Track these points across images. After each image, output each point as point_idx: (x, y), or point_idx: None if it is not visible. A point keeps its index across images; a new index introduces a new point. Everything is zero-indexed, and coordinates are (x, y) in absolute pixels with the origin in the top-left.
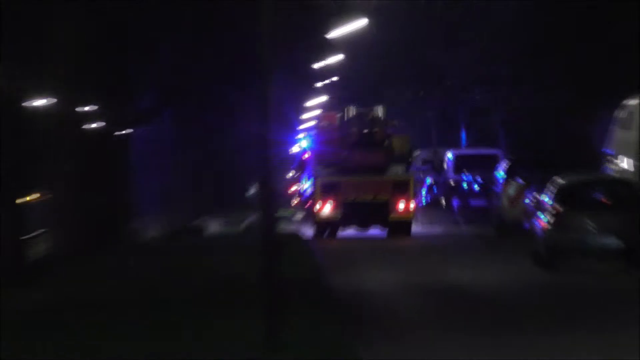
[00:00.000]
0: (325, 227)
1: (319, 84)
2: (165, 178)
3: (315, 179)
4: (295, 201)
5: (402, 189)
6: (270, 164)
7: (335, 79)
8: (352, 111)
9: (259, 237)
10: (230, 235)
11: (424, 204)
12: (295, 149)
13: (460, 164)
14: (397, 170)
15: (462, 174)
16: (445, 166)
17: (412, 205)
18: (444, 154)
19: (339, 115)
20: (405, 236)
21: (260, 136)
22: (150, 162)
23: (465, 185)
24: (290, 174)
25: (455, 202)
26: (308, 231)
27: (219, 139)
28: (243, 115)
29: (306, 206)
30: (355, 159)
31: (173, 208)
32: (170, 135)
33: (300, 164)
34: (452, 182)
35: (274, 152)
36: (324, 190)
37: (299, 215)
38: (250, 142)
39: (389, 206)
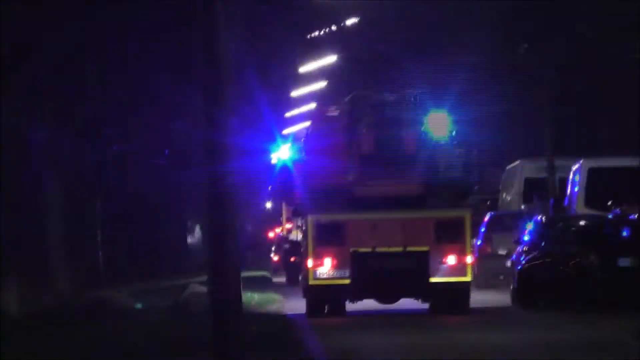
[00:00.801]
0: (324, 297)
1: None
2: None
3: (305, 217)
4: (274, 255)
5: (453, 232)
6: (227, 187)
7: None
8: (366, 99)
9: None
10: (156, 312)
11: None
12: (274, 161)
13: (599, 185)
14: (443, 201)
15: (602, 206)
16: (569, 191)
17: (469, 259)
18: (567, 170)
19: (341, 109)
20: (460, 313)
21: (209, 141)
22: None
23: (608, 227)
24: (267, 206)
25: (592, 264)
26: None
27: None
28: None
29: (292, 261)
30: (371, 183)
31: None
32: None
33: (280, 191)
34: (582, 223)
35: (233, 167)
36: (321, 237)
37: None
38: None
39: (429, 261)
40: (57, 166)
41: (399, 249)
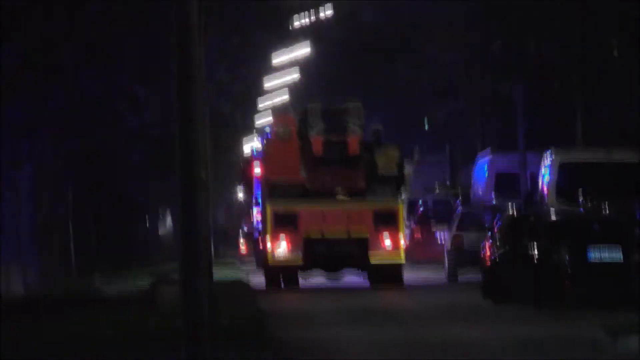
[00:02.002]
0: (280, 274)
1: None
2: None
3: (265, 206)
4: (242, 244)
5: (389, 219)
6: (197, 179)
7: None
8: (316, 110)
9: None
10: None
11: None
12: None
13: (572, 180)
14: (381, 193)
15: (574, 200)
16: (542, 184)
17: (402, 242)
18: (538, 162)
19: (297, 116)
20: (395, 285)
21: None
22: None
23: (580, 221)
24: (239, 197)
25: (563, 256)
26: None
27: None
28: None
29: (258, 247)
30: (321, 179)
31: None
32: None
33: (246, 182)
34: (553, 216)
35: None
36: (278, 223)
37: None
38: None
39: (369, 244)
40: (30, 157)
41: (344, 236)
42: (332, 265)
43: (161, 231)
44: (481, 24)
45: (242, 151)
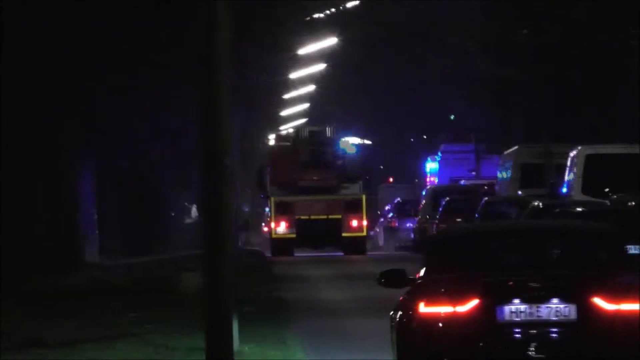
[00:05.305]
0: (281, 245)
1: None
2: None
3: (270, 198)
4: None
5: (355, 207)
6: (221, 154)
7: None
8: (304, 130)
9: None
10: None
11: None
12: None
13: (598, 172)
14: (349, 189)
15: (599, 193)
16: (566, 178)
17: (364, 223)
18: (565, 157)
19: (292, 135)
20: (360, 254)
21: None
22: None
23: (605, 213)
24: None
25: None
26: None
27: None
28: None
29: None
30: (308, 179)
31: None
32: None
33: (260, 184)
34: (579, 209)
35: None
36: (279, 210)
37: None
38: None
39: (341, 223)
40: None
41: (324, 216)
42: (316, 238)
43: (187, 220)
44: (506, 13)
45: (267, 146)
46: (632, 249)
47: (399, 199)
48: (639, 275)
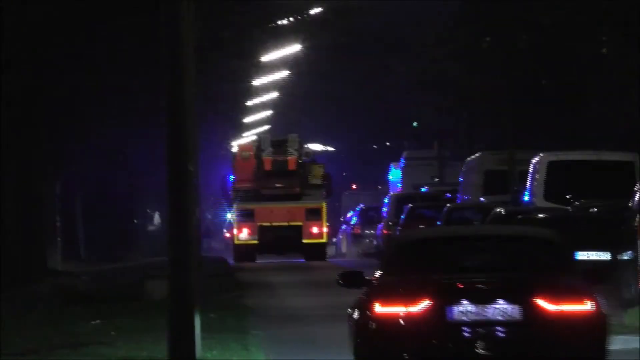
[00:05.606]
0: (244, 250)
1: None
2: None
3: (234, 206)
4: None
5: (315, 214)
6: (186, 160)
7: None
8: (266, 139)
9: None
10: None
11: None
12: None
13: (560, 179)
14: (310, 196)
15: (561, 200)
16: (530, 183)
17: (325, 230)
18: (528, 163)
19: (254, 143)
20: (320, 260)
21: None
22: None
23: (567, 220)
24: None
25: None
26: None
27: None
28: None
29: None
30: (270, 186)
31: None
32: None
33: (224, 191)
34: (541, 216)
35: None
36: (242, 216)
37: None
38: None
39: (302, 230)
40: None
41: (286, 223)
42: (278, 244)
43: (150, 228)
44: (472, 21)
45: (230, 153)
46: (588, 255)
47: (362, 205)
48: (580, 278)
